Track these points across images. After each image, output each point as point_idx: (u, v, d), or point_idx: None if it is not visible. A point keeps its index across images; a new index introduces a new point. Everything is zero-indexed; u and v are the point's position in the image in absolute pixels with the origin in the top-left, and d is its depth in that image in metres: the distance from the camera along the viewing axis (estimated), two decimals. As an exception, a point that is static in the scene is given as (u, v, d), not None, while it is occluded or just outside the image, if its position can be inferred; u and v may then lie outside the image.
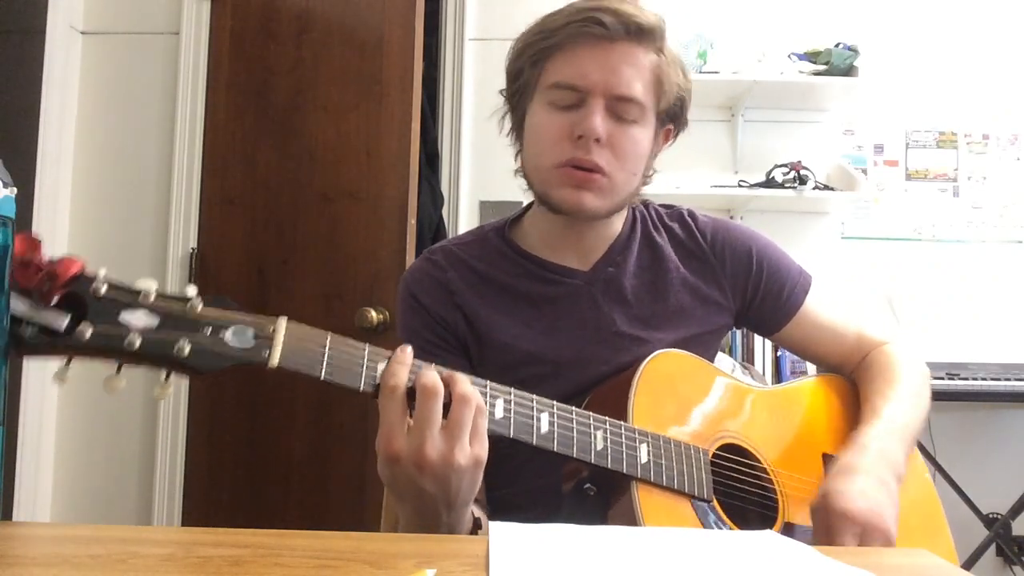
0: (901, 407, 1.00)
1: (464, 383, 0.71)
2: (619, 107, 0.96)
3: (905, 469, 0.93)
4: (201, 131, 2.45)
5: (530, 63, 0.99)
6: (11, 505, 2.15)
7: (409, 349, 0.72)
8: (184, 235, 2.44)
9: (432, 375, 0.69)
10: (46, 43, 2.37)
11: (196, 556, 0.56)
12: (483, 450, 0.71)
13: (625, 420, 0.86)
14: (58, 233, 2.45)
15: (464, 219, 2.64)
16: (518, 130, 1.05)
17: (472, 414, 0.70)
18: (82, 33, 2.55)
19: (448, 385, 0.70)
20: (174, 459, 2.39)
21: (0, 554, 0.55)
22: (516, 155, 1.07)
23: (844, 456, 0.91)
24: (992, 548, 2.51)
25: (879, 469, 0.89)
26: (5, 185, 0.58)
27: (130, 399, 2.44)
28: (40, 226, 2.33)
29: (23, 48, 2.37)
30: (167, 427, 2.41)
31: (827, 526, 0.85)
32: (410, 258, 2.12)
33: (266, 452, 2.24)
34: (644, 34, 0.96)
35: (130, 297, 0.63)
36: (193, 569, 0.54)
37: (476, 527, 0.79)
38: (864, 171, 2.74)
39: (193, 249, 2.41)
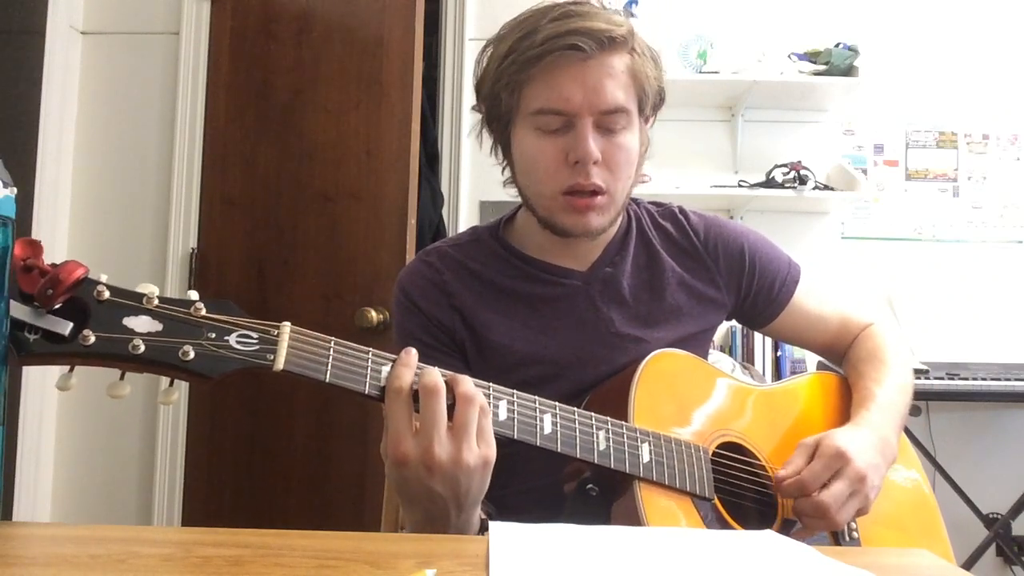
0: (892, 391, 1.04)
1: (467, 383, 0.72)
2: (606, 120, 0.95)
3: (896, 451, 0.98)
4: (201, 131, 2.45)
5: (507, 91, 0.96)
6: (11, 505, 2.14)
7: (414, 352, 0.72)
8: (184, 235, 2.44)
9: (435, 375, 0.70)
10: (46, 43, 2.37)
11: (196, 556, 0.56)
12: (490, 450, 0.72)
13: (626, 420, 0.86)
14: (58, 233, 2.45)
15: (464, 219, 2.64)
16: (504, 151, 1.04)
17: (476, 413, 0.71)
18: (82, 33, 2.55)
19: (451, 386, 0.71)
20: (174, 459, 2.39)
21: (0, 554, 0.55)
22: (503, 169, 1.07)
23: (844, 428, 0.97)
24: (992, 548, 2.51)
25: (876, 441, 0.94)
26: (5, 185, 0.58)
27: (130, 399, 2.42)
28: (40, 226, 2.33)
29: (23, 48, 2.37)
30: (167, 426, 2.40)
31: (813, 454, 0.89)
32: (410, 258, 2.12)
33: (266, 452, 2.23)
34: (617, 44, 0.94)
35: (133, 302, 0.63)
36: (193, 569, 0.54)
37: (483, 528, 0.79)
38: (864, 171, 2.74)
39: (193, 249, 2.41)
